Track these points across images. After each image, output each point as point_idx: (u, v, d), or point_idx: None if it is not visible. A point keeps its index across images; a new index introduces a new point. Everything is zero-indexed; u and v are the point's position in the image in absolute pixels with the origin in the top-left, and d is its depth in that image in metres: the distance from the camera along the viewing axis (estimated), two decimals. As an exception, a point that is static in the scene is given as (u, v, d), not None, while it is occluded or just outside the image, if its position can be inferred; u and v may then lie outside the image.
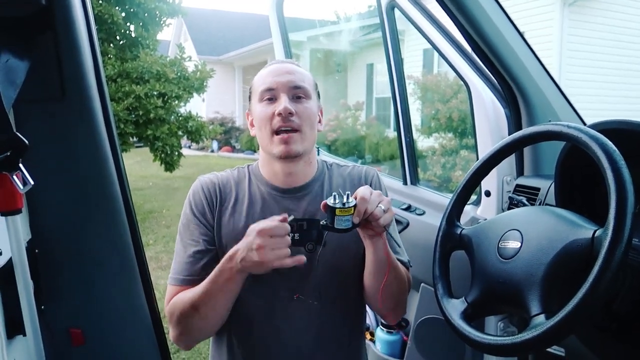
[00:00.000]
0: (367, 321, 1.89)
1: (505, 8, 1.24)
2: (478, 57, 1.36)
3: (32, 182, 0.65)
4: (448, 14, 1.28)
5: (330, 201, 0.91)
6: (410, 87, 6.29)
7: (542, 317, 0.73)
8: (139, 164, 10.18)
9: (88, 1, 0.79)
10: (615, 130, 0.89)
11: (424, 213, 1.67)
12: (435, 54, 1.53)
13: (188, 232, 1.07)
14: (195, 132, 7.32)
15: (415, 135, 4.08)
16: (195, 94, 7.43)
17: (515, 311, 0.91)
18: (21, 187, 0.64)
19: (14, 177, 0.64)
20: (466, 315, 0.87)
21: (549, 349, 1.18)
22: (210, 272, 0.97)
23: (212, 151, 13.62)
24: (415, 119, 6.75)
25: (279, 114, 1.02)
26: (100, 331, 0.86)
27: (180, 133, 7.18)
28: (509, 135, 1.12)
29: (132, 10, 6.85)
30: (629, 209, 0.68)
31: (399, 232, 1.28)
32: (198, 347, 2.73)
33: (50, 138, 0.79)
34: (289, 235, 0.91)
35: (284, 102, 1.03)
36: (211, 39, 16.73)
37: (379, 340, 1.81)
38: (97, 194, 0.82)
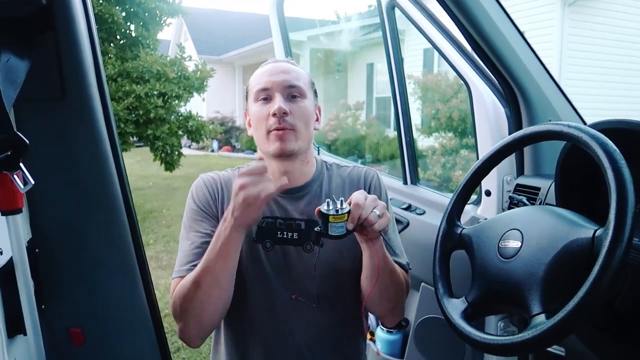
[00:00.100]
0: (368, 321, 1.89)
1: (506, 8, 1.24)
2: (478, 56, 1.36)
3: (32, 182, 0.65)
4: (448, 14, 1.27)
5: (323, 208, 0.90)
6: (410, 87, 6.29)
7: (542, 317, 0.73)
8: (139, 164, 10.19)
9: (88, 1, 0.79)
10: (616, 130, 0.89)
11: (424, 213, 1.67)
12: (436, 53, 1.53)
13: (194, 224, 1.06)
14: (195, 131, 7.31)
15: (415, 134, 4.09)
16: (195, 94, 7.42)
17: (516, 311, 0.91)
18: (22, 186, 0.64)
19: (15, 176, 0.63)
20: (466, 315, 0.87)
21: (549, 349, 1.19)
22: None
23: (212, 151, 13.62)
24: (416, 118, 6.75)
25: (274, 114, 1.02)
26: (100, 331, 0.86)
27: (180, 133, 7.17)
28: (509, 134, 1.12)
29: (132, 9, 6.84)
30: (629, 208, 0.68)
31: (399, 232, 1.28)
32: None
33: (51, 137, 0.79)
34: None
35: (278, 102, 1.02)
36: (211, 38, 16.72)
37: (379, 340, 1.81)
38: (97, 194, 0.82)
